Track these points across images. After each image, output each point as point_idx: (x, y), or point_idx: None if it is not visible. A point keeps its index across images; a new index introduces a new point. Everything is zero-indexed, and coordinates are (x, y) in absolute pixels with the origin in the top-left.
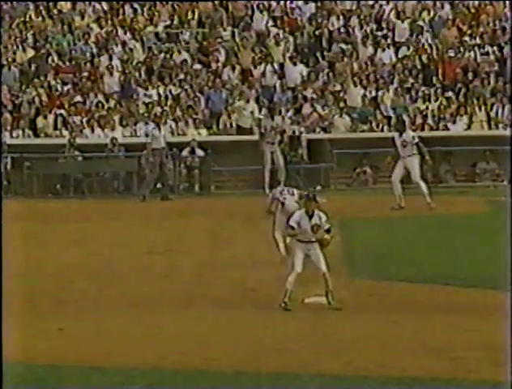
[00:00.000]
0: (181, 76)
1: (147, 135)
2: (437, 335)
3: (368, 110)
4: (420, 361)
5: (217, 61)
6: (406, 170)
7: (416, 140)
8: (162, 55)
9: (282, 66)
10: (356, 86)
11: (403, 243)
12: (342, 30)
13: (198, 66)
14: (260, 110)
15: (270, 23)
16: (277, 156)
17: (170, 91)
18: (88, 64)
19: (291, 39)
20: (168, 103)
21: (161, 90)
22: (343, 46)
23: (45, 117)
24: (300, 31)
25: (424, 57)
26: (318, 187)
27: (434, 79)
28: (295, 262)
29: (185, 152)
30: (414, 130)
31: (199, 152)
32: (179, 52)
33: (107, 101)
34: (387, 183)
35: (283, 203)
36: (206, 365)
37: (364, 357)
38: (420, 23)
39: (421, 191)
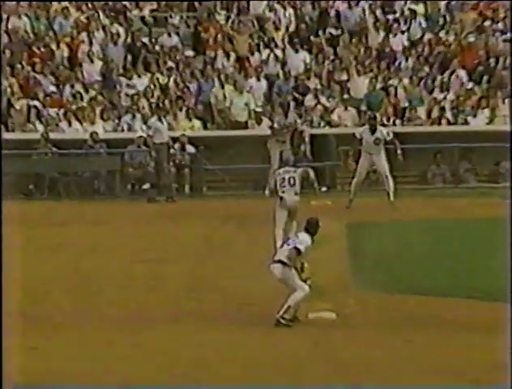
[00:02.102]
0: (170, 64)
1: (149, 128)
2: (456, 354)
3: (376, 98)
4: (437, 384)
5: (210, 48)
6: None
7: (391, 136)
8: (148, 41)
9: (283, 52)
10: (360, 75)
11: (418, 251)
12: (349, 14)
13: (188, 53)
14: (259, 102)
15: (270, 5)
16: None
17: (158, 80)
18: (66, 50)
19: (292, 23)
20: (155, 94)
21: (147, 79)
22: (349, 30)
23: (17, 109)
24: (302, 15)
25: (440, 43)
26: (323, 188)
27: (452, 66)
28: (300, 283)
29: (173, 149)
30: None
31: (190, 149)
32: (169, 35)
33: (86, 92)
34: (401, 184)
35: (281, 198)
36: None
37: (375, 380)
38: (436, 6)
39: (387, 188)
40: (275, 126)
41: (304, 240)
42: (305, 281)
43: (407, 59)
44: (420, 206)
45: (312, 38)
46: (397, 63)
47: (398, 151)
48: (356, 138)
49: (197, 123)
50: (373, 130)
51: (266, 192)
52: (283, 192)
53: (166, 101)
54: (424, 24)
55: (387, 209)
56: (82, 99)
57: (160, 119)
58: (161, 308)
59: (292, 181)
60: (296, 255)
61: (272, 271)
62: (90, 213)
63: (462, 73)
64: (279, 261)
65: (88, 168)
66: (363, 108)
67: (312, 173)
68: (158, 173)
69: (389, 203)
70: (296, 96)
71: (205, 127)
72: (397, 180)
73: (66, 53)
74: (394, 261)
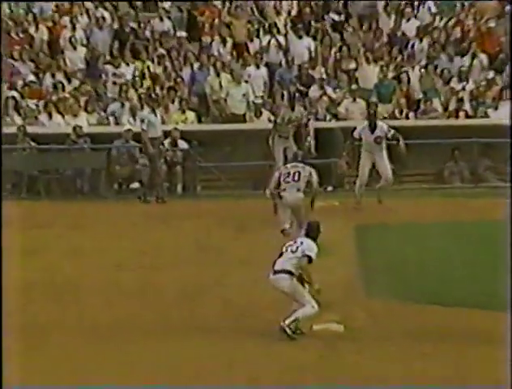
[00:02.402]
0: (161, 51)
1: (142, 121)
2: (478, 369)
3: (387, 89)
4: None
5: (205, 33)
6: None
7: (393, 132)
8: (137, 26)
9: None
10: (369, 63)
11: (433, 256)
12: None
13: (181, 40)
14: (257, 93)
15: None
16: (291, 152)
17: (148, 69)
18: (46, 35)
19: (295, 6)
20: (145, 84)
21: (136, 68)
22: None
23: None
24: None
25: (458, 29)
26: (329, 187)
27: (471, 54)
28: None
29: (165, 144)
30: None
31: (182, 144)
32: (161, 19)
33: (69, 81)
34: (415, 183)
35: (281, 196)
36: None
37: None
38: None
39: (380, 189)
40: (278, 120)
41: (311, 246)
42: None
43: (421, 46)
44: (435, 207)
45: (316, 23)
46: (410, 50)
47: (401, 143)
48: (354, 138)
49: (190, 116)
50: (372, 128)
51: (267, 192)
52: (285, 189)
53: (157, 92)
54: (439, 8)
55: (399, 210)
56: (63, 89)
57: (153, 111)
58: (151, 319)
59: (296, 177)
60: (307, 264)
61: (277, 282)
62: (72, 215)
63: (482, 61)
64: (285, 271)
65: (71, 166)
66: (373, 99)
67: (316, 184)
68: (151, 171)
69: (355, 203)
70: (300, 87)
71: (199, 120)
72: (411, 178)
73: (46, 39)
74: (408, 267)
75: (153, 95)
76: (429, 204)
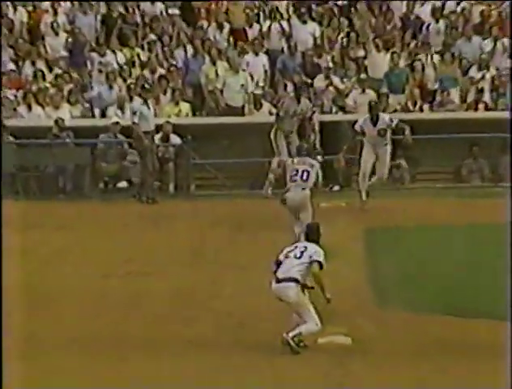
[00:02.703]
0: (152, 37)
1: (134, 113)
2: (501, 386)
3: (399, 78)
4: None
5: (201, 18)
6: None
7: (396, 121)
8: (124, 10)
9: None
10: (379, 50)
11: (450, 262)
12: None
13: (173, 18)
14: (257, 83)
15: None
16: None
17: (139, 57)
18: (26, 20)
19: None
20: (134, 73)
21: (124, 55)
22: None
23: None
24: None
25: (477, 12)
26: (336, 187)
27: (492, 40)
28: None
29: (155, 139)
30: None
31: (175, 139)
32: (152, 2)
33: (50, 70)
34: (429, 181)
35: (284, 199)
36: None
37: None
38: None
39: (369, 186)
40: (281, 113)
41: (318, 250)
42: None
43: (437, 28)
44: (452, 208)
45: (321, 6)
46: (425, 33)
47: (407, 133)
48: (356, 132)
49: (184, 108)
50: (375, 121)
51: (269, 191)
52: (289, 189)
53: (148, 81)
54: None
55: (412, 211)
56: (44, 78)
57: (145, 103)
58: (141, 331)
59: (305, 176)
60: (319, 271)
61: (281, 291)
62: (54, 216)
63: (504, 44)
64: (292, 279)
65: (52, 162)
66: (384, 90)
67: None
68: (142, 168)
69: (361, 203)
70: (304, 77)
71: (193, 113)
72: (425, 177)
73: (25, 23)
74: (422, 274)
75: (146, 85)
76: (445, 205)
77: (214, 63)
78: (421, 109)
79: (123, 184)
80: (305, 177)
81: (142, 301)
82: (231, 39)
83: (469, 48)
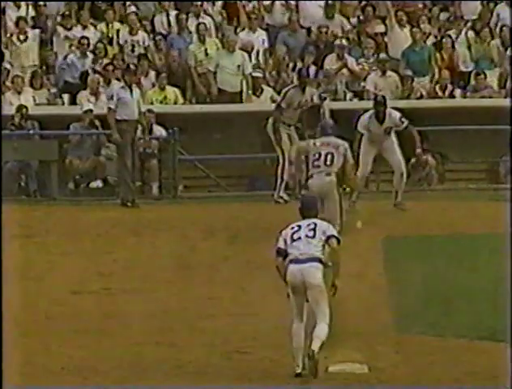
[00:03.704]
0: (132, 9)
1: (110, 98)
2: None
3: (421, 56)
4: None
5: None
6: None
7: (405, 124)
8: None
9: None
10: (402, 26)
11: (483, 278)
12: None
13: None
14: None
15: None
16: (294, 142)
17: (118, 33)
18: None
19: None
20: (111, 52)
21: (97, 31)
22: None
23: None
24: None
25: None
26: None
27: None
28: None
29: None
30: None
31: (159, 131)
32: None
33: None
34: (460, 181)
35: (306, 187)
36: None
37: None
38: None
39: (398, 186)
40: (283, 104)
41: (327, 225)
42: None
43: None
44: (487, 213)
45: None
46: (456, 8)
47: (418, 146)
48: (359, 133)
49: (171, 94)
50: (381, 119)
51: (284, 196)
52: (312, 175)
53: (127, 62)
54: None
55: (439, 217)
56: (3, 58)
57: (129, 87)
58: (118, 357)
59: (329, 160)
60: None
61: (306, 273)
62: (15, 222)
63: None
64: (316, 258)
65: (13, 157)
66: (406, 72)
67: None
68: (119, 165)
69: (396, 204)
70: (311, 57)
71: (184, 100)
72: (455, 176)
73: None
74: (450, 292)
75: (131, 66)
76: (479, 209)
77: (204, 41)
78: (451, 95)
79: (97, 184)
80: (328, 162)
81: (119, 322)
82: (224, 12)
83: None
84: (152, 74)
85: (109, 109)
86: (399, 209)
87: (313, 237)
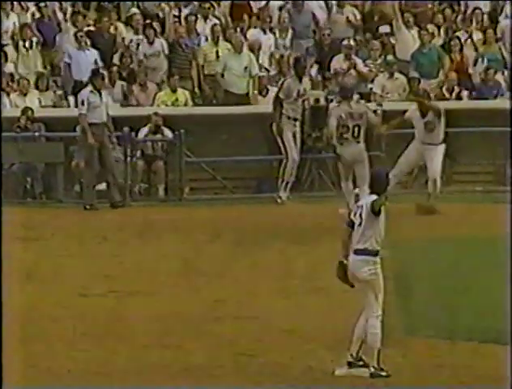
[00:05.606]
0: (134, 10)
1: (82, 104)
2: None
3: (430, 58)
4: None
5: None
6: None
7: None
8: None
9: None
10: (410, 27)
11: (494, 280)
12: None
13: None
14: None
15: None
16: (298, 140)
17: (123, 34)
18: None
19: None
20: (119, 50)
21: (103, 31)
22: None
23: None
24: None
25: None
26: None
27: None
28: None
29: (142, 134)
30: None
31: (165, 133)
32: None
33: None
34: (468, 183)
35: (338, 155)
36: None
37: None
38: None
39: (432, 191)
40: (281, 95)
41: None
42: None
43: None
44: (495, 215)
45: None
46: (465, 7)
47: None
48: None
49: (182, 96)
50: (424, 111)
51: (283, 196)
52: (342, 144)
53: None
54: None
55: (448, 219)
56: (7, 59)
57: (98, 91)
58: (124, 360)
59: (356, 132)
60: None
61: (355, 266)
62: (21, 224)
63: None
64: (366, 251)
65: (19, 160)
66: (414, 74)
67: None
68: (93, 167)
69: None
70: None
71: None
72: (462, 178)
73: None
74: (459, 295)
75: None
76: (486, 212)
77: (216, 43)
78: (459, 97)
79: (103, 186)
80: (356, 134)
81: (125, 323)
82: (229, 12)
83: None
84: (163, 76)
85: (80, 114)
86: (429, 212)
87: (360, 224)
